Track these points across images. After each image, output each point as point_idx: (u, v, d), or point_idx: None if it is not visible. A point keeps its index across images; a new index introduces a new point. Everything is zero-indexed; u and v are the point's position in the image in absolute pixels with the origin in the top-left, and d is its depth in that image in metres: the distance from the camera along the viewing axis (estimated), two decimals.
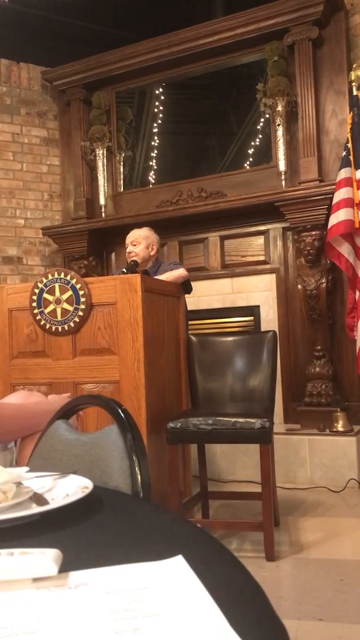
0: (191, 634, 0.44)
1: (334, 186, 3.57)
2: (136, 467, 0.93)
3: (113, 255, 4.64)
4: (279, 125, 3.93)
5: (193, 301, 4.02)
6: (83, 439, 1.05)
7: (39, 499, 0.81)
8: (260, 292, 4.15)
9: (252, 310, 4.18)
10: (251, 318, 4.19)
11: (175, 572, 0.55)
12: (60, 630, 0.46)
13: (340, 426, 3.64)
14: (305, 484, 3.54)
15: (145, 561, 0.58)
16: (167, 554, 0.59)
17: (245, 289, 4.19)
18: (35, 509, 0.75)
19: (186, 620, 0.47)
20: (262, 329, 4.03)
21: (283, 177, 3.95)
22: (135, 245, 3.32)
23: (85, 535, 0.69)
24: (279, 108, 3.89)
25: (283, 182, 3.94)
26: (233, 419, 2.54)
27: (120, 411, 1.00)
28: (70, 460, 1.03)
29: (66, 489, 0.83)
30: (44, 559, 0.56)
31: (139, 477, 0.92)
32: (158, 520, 0.72)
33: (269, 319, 4.09)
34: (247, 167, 4.29)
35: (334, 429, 3.64)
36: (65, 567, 0.57)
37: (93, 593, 0.53)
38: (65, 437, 1.08)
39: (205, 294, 4.23)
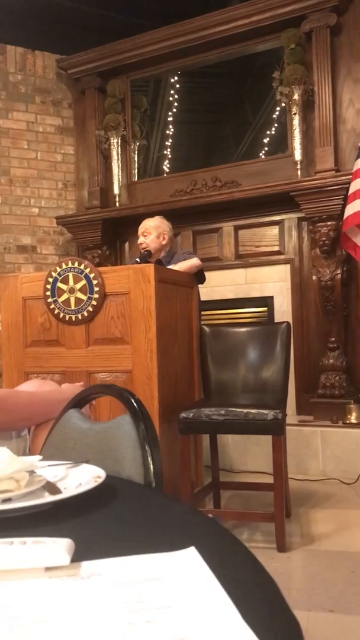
0: (203, 626, 0.44)
1: (351, 176, 3.53)
2: (149, 457, 0.92)
3: (127, 245, 4.63)
4: (295, 114, 3.89)
5: (206, 291, 4.00)
6: (96, 428, 1.05)
7: (51, 487, 0.81)
8: (274, 282, 4.12)
9: (266, 301, 4.16)
10: (265, 309, 4.17)
11: (187, 564, 0.55)
12: (72, 620, 0.46)
13: (353, 418, 3.62)
14: (317, 475, 3.53)
15: (157, 552, 0.58)
16: (179, 545, 0.59)
17: (259, 279, 4.17)
18: (48, 498, 0.75)
19: (198, 612, 0.46)
20: (276, 320, 4.01)
21: (299, 166, 3.91)
22: (145, 235, 3.30)
23: (97, 525, 0.69)
24: (295, 97, 3.85)
25: (299, 172, 3.90)
26: (245, 410, 2.53)
27: (133, 401, 1.00)
28: (82, 449, 1.03)
29: (79, 478, 0.83)
30: (57, 548, 0.56)
31: (152, 467, 0.92)
32: (171, 511, 0.72)
33: (283, 310, 4.07)
34: (262, 157, 4.25)
35: (347, 421, 3.62)
36: (78, 556, 0.57)
37: (105, 583, 0.52)
38: (78, 426, 1.08)
39: (219, 285, 4.21)
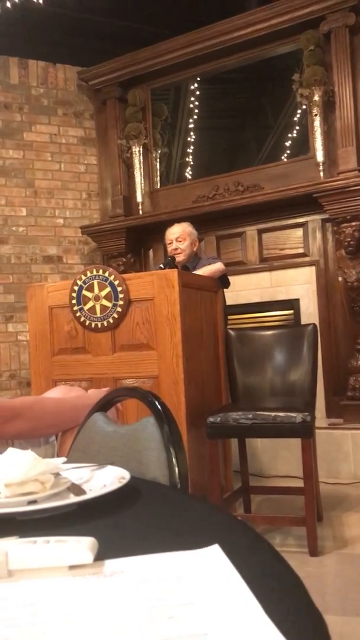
0: (225, 622, 0.44)
1: None
2: (173, 459, 0.92)
3: (151, 252, 4.66)
4: (315, 115, 3.87)
5: (231, 296, 3.99)
6: (120, 431, 1.05)
7: (76, 489, 0.81)
8: (299, 285, 4.09)
9: (292, 304, 4.13)
10: (291, 312, 4.14)
11: (211, 561, 0.55)
12: (95, 617, 0.46)
13: None
14: (349, 478, 3.48)
15: (180, 550, 0.58)
16: (203, 543, 0.58)
17: (284, 282, 4.15)
18: (73, 499, 0.76)
19: (220, 608, 0.46)
20: (303, 323, 3.97)
21: (321, 167, 3.88)
22: (180, 241, 3.30)
23: (121, 525, 0.69)
24: (316, 98, 3.83)
25: (321, 173, 3.88)
26: (273, 413, 2.51)
27: (157, 403, 1.00)
28: (108, 452, 1.03)
29: (103, 480, 0.83)
30: (80, 547, 0.56)
31: (177, 468, 0.91)
32: (195, 510, 0.72)
33: (309, 312, 4.04)
34: (284, 160, 4.24)
35: None
36: (101, 555, 0.57)
37: (128, 581, 0.52)
38: (102, 429, 1.08)
39: (244, 289, 4.20)
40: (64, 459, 0.84)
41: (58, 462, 0.83)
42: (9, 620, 0.46)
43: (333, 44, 3.84)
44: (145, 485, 0.85)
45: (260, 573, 0.52)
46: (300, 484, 3.07)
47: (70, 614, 0.47)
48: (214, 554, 0.56)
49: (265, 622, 0.43)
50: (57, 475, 0.84)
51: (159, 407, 0.99)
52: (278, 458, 3.68)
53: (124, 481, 0.79)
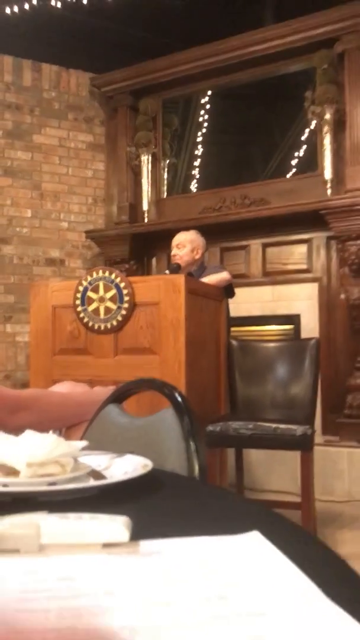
0: (282, 602, 0.41)
1: None
2: (193, 451, 0.90)
3: (154, 260, 4.65)
4: (326, 133, 3.89)
5: (233, 308, 3.96)
6: (137, 423, 1.02)
7: (96, 475, 0.79)
8: (301, 301, 4.08)
9: (293, 319, 4.12)
10: (291, 327, 4.12)
11: (254, 546, 0.52)
12: (140, 593, 0.43)
13: None
14: (344, 497, 3.44)
15: (219, 535, 0.55)
16: (241, 530, 0.56)
17: (286, 297, 4.14)
18: (96, 482, 0.73)
19: (275, 590, 0.43)
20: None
21: (329, 185, 3.90)
22: (180, 248, 3.30)
23: (149, 511, 0.66)
24: (327, 116, 3.85)
25: (329, 191, 3.89)
26: (274, 425, 2.49)
27: (176, 394, 0.97)
28: (123, 443, 1.00)
29: (124, 468, 0.80)
30: (115, 524, 0.54)
31: (196, 460, 0.89)
32: (225, 499, 0.69)
33: (310, 328, 4.02)
34: (292, 176, 4.25)
35: None
36: (134, 536, 0.54)
37: (168, 561, 0.50)
38: (118, 420, 1.06)
39: (245, 301, 4.18)
40: (85, 442, 0.81)
41: (79, 445, 0.80)
42: (49, 592, 0.43)
43: (346, 64, 3.88)
44: (167, 475, 0.82)
45: (307, 556, 0.50)
46: (294, 499, 3.04)
47: (113, 589, 0.44)
48: (256, 539, 0.54)
49: (326, 602, 0.40)
50: (75, 461, 0.81)
51: (178, 398, 0.97)
52: (273, 473, 3.64)
53: (148, 468, 0.76)
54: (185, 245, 3.30)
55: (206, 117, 4.70)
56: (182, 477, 0.84)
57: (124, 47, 4.54)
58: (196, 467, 0.88)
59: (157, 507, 0.67)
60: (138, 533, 0.55)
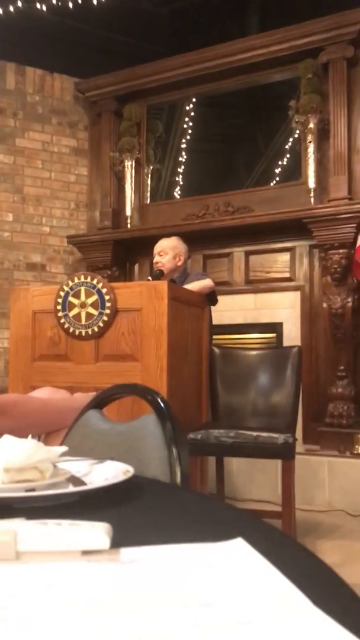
0: (268, 610, 0.40)
1: None
2: (175, 457, 0.88)
3: (136, 267, 4.63)
4: (310, 142, 3.91)
5: (215, 316, 3.95)
6: (118, 429, 1.00)
7: (76, 481, 0.77)
8: (284, 309, 4.09)
9: (275, 327, 4.13)
10: (273, 335, 4.13)
11: (238, 552, 0.51)
12: (121, 601, 0.41)
13: None
14: (323, 506, 3.44)
15: (202, 542, 0.54)
16: (223, 537, 0.54)
17: (268, 305, 4.15)
18: (76, 488, 0.71)
19: (259, 596, 0.42)
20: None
21: (312, 194, 3.92)
22: (162, 255, 3.29)
23: (130, 517, 0.65)
24: (311, 125, 3.88)
25: (312, 199, 3.91)
26: (255, 433, 2.48)
27: (159, 400, 0.96)
28: (103, 449, 0.98)
29: (105, 473, 0.79)
30: (95, 531, 0.52)
31: (179, 467, 0.87)
32: (208, 506, 0.67)
33: (292, 337, 4.03)
34: (275, 184, 4.28)
35: (355, 452, 3.55)
36: (115, 544, 0.53)
37: (150, 569, 0.48)
38: (98, 426, 1.04)
39: (228, 309, 4.18)
40: (65, 448, 0.79)
41: (59, 451, 0.78)
42: (24, 601, 0.41)
43: (331, 74, 3.91)
44: (148, 482, 0.81)
45: (293, 564, 0.48)
46: (274, 508, 3.03)
47: (92, 598, 0.42)
48: (240, 546, 0.52)
49: (314, 610, 0.39)
50: (54, 466, 0.79)
51: (160, 404, 0.95)
52: (253, 482, 3.63)
53: (129, 474, 0.75)
54: (167, 252, 3.29)
55: (190, 124, 4.71)
56: (163, 483, 0.82)
57: (108, 53, 4.55)
58: (178, 474, 0.87)
59: (138, 513, 0.66)
60: (119, 540, 0.53)
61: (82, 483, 0.76)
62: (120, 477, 0.74)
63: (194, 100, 4.65)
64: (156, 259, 3.31)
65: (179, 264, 3.30)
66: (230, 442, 2.49)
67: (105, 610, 0.40)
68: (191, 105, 4.68)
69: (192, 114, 4.70)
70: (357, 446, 3.55)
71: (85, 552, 0.51)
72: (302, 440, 3.93)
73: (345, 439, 3.60)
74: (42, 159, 4.69)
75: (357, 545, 2.87)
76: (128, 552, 0.51)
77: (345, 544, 2.87)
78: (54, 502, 0.69)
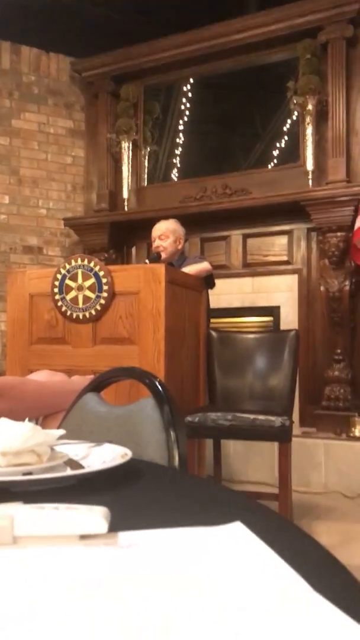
0: (266, 594, 0.39)
1: None
2: (173, 441, 0.88)
3: (134, 250, 4.60)
4: (308, 124, 3.88)
5: (212, 299, 3.94)
6: (116, 412, 1.00)
7: (73, 464, 0.76)
8: (281, 292, 4.08)
9: (272, 311, 4.12)
10: (270, 318, 4.13)
11: (236, 536, 0.51)
12: (120, 585, 0.41)
13: (357, 431, 3.56)
14: (320, 488, 3.47)
15: (200, 526, 0.53)
16: (222, 520, 0.54)
17: (266, 289, 4.14)
18: (74, 471, 0.70)
19: (258, 581, 0.42)
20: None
21: (310, 176, 3.89)
22: (162, 239, 3.25)
23: (128, 501, 0.64)
24: (309, 107, 3.84)
25: (310, 182, 3.89)
26: (252, 416, 2.48)
27: (157, 383, 0.95)
28: (101, 433, 0.98)
29: (102, 457, 0.78)
30: (93, 515, 0.51)
31: (177, 450, 0.87)
32: (207, 489, 0.67)
33: (289, 320, 4.03)
34: (273, 167, 4.24)
35: (351, 434, 3.57)
36: (112, 528, 0.52)
37: (148, 554, 0.48)
38: (96, 409, 1.03)
39: (225, 293, 4.17)
40: (62, 431, 0.79)
41: (56, 434, 0.78)
42: (21, 586, 0.41)
43: (329, 54, 3.86)
44: (146, 465, 0.80)
45: (292, 549, 0.48)
46: (271, 490, 3.05)
47: (90, 582, 0.42)
48: (239, 530, 0.52)
49: (313, 594, 0.39)
50: (51, 449, 0.79)
51: (159, 387, 0.95)
52: (250, 464, 3.65)
53: (127, 457, 0.74)
54: (169, 236, 3.26)
55: (188, 105, 4.66)
56: (162, 467, 0.82)
57: (105, 32, 4.47)
58: (176, 457, 0.86)
59: (136, 497, 0.65)
60: (117, 524, 0.53)
61: (80, 466, 0.75)
62: (118, 461, 0.73)
63: (191, 81, 4.59)
64: (157, 242, 3.28)
65: (179, 247, 3.29)
66: (227, 425, 2.49)
67: (103, 594, 0.40)
68: (188, 86, 4.62)
69: (190, 95, 4.64)
70: (353, 429, 3.56)
71: (83, 536, 0.50)
72: (298, 423, 3.95)
73: (342, 422, 3.62)
74: (38, 140, 4.64)
75: (353, 526, 2.89)
76: (126, 536, 0.51)
77: (341, 526, 2.90)
78: (52, 486, 0.69)
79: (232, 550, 0.48)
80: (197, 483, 0.70)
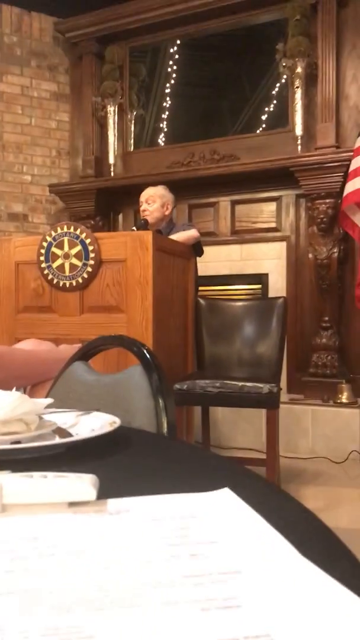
0: (257, 560, 0.40)
1: (352, 153, 3.47)
2: (162, 408, 0.88)
3: (120, 217, 4.55)
4: (297, 87, 3.81)
5: (201, 267, 3.93)
6: (104, 380, 1.00)
7: (62, 432, 0.76)
8: (269, 260, 4.07)
9: (261, 279, 4.12)
10: (259, 286, 4.12)
11: (225, 503, 0.51)
12: (109, 552, 0.41)
13: (344, 398, 3.61)
14: (307, 454, 3.53)
15: (189, 492, 0.53)
16: (211, 486, 0.54)
17: (254, 256, 4.12)
18: (61, 440, 0.70)
19: (248, 547, 0.42)
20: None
21: (299, 142, 3.84)
22: (149, 203, 3.22)
23: (118, 468, 0.65)
24: (299, 70, 3.77)
25: (299, 147, 3.84)
26: (240, 383, 2.50)
27: (145, 351, 0.95)
28: (90, 400, 0.98)
29: (91, 425, 0.78)
30: (81, 482, 0.51)
31: (165, 417, 0.87)
32: (195, 455, 0.67)
33: (278, 288, 4.03)
34: (261, 131, 4.18)
35: (338, 401, 3.61)
36: (101, 495, 0.52)
37: (137, 519, 0.48)
38: (84, 378, 1.03)
39: (214, 260, 4.15)
40: (50, 400, 0.78)
41: (44, 403, 0.77)
42: (12, 554, 0.41)
43: (319, 15, 3.77)
44: (135, 432, 0.80)
45: (281, 514, 0.48)
46: (259, 456, 3.09)
47: (80, 549, 0.42)
48: (227, 496, 0.52)
49: (301, 560, 0.39)
50: (40, 418, 0.78)
51: (147, 355, 0.95)
52: (238, 430, 3.70)
53: (116, 425, 0.74)
54: (156, 200, 3.22)
55: (175, 67, 4.55)
56: (150, 434, 0.82)
57: None
58: (165, 424, 0.87)
59: (125, 464, 0.66)
60: (106, 491, 0.53)
61: (69, 434, 0.75)
62: (107, 428, 0.73)
63: (178, 42, 4.48)
64: (143, 206, 3.25)
65: (167, 213, 3.25)
66: (215, 392, 2.51)
67: (92, 561, 0.40)
68: (175, 48, 4.51)
69: (177, 57, 4.53)
70: (340, 395, 3.61)
71: (72, 504, 0.50)
72: (286, 389, 3.99)
73: (329, 389, 3.65)
74: (21, 104, 4.53)
75: (338, 490, 2.95)
76: (115, 503, 0.51)
77: (328, 490, 2.95)
78: (40, 454, 0.68)
79: (220, 515, 0.48)
80: (185, 450, 0.71)
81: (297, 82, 3.80)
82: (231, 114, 4.43)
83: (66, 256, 2.63)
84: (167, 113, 4.59)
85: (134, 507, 0.50)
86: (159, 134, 4.59)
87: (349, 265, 3.84)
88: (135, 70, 4.56)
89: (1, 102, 4.45)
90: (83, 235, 2.60)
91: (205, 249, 3.37)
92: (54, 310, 2.70)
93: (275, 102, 4.20)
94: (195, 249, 3.12)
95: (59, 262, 2.64)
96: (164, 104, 4.58)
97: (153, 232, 2.59)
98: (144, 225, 3.15)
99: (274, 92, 4.20)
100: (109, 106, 4.37)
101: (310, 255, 3.79)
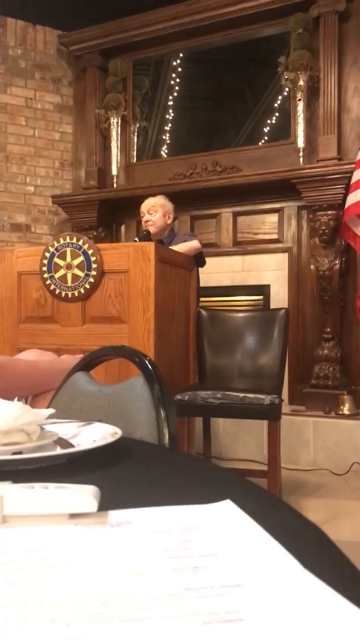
0: (259, 572, 0.39)
1: (353, 165, 3.49)
2: (164, 419, 0.88)
3: (123, 228, 4.57)
4: (299, 100, 3.83)
5: (202, 278, 3.93)
6: (106, 391, 1.00)
7: (63, 443, 0.76)
8: (271, 271, 4.08)
9: (262, 290, 4.12)
10: (261, 297, 4.13)
11: (226, 514, 0.50)
12: (110, 565, 0.41)
13: (346, 409, 3.60)
14: (308, 465, 3.51)
15: (190, 504, 0.53)
16: (212, 498, 0.54)
17: (256, 267, 4.13)
18: (63, 451, 0.70)
19: (250, 559, 0.42)
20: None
21: (301, 154, 3.86)
22: (151, 213, 3.24)
23: (119, 479, 0.64)
24: (301, 82, 3.80)
25: (301, 159, 3.86)
26: (242, 394, 2.49)
27: (147, 362, 0.95)
28: (91, 411, 0.98)
29: (92, 436, 0.78)
30: (82, 494, 0.51)
31: (167, 428, 0.87)
32: (196, 467, 0.67)
33: (279, 299, 4.03)
34: (263, 144, 4.21)
35: (340, 412, 3.60)
36: (102, 506, 0.52)
37: (139, 532, 0.48)
38: (86, 388, 1.03)
39: (215, 271, 4.16)
40: (52, 410, 0.78)
41: (46, 413, 0.77)
42: (12, 565, 0.41)
43: (321, 29, 3.81)
44: (136, 443, 0.80)
45: (283, 527, 0.48)
46: (260, 468, 3.08)
47: (81, 560, 0.42)
48: (228, 508, 0.52)
49: (303, 572, 0.39)
50: (41, 428, 0.78)
51: (149, 366, 0.95)
52: (239, 441, 3.68)
53: (117, 436, 0.74)
54: (157, 210, 3.24)
55: (178, 80, 4.59)
56: (152, 445, 0.82)
57: (94, 4, 4.37)
58: (166, 435, 0.86)
59: (126, 476, 0.65)
60: (107, 503, 0.52)
61: (70, 445, 0.75)
62: (108, 439, 0.73)
63: (181, 55, 4.52)
64: (146, 217, 3.27)
65: (169, 222, 3.28)
66: (217, 403, 2.50)
67: (93, 573, 0.39)
68: (178, 61, 4.55)
69: (180, 69, 4.57)
70: (342, 407, 3.59)
71: (73, 515, 0.50)
72: (288, 401, 3.98)
73: (331, 400, 3.64)
74: (25, 115, 4.56)
75: (340, 502, 2.93)
76: (116, 515, 0.51)
77: (329, 502, 2.94)
78: (41, 465, 0.68)
79: (223, 527, 0.48)
80: (187, 461, 0.70)
81: (299, 95, 3.83)
82: (233, 126, 4.46)
83: (69, 267, 2.64)
84: (169, 125, 4.62)
85: (136, 519, 0.50)
86: (162, 145, 4.61)
87: (350, 276, 3.84)
88: (138, 83, 4.60)
89: (5, 114, 4.49)
90: (86, 246, 2.61)
91: (207, 259, 3.38)
92: (56, 321, 2.70)
93: (277, 114, 4.23)
94: (197, 259, 3.13)
95: (61, 272, 2.65)
96: (167, 116, 4.61)
97: (155, 243, 2.60)
98: (146, 236, 3.16)
99: (276, 105, 4.22)
100: (112, 118, 4.40)
101: (312, 267, 3.79)
